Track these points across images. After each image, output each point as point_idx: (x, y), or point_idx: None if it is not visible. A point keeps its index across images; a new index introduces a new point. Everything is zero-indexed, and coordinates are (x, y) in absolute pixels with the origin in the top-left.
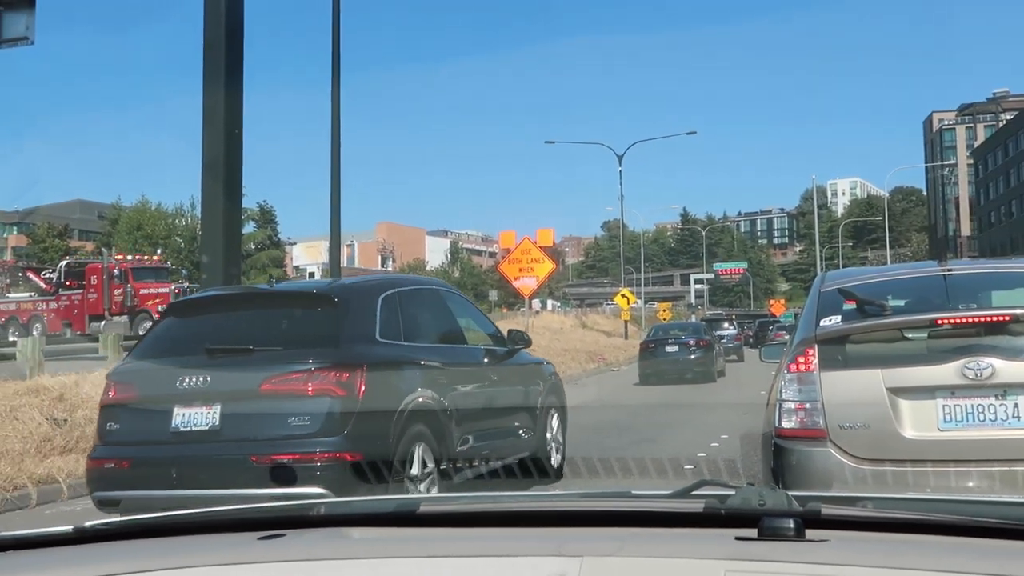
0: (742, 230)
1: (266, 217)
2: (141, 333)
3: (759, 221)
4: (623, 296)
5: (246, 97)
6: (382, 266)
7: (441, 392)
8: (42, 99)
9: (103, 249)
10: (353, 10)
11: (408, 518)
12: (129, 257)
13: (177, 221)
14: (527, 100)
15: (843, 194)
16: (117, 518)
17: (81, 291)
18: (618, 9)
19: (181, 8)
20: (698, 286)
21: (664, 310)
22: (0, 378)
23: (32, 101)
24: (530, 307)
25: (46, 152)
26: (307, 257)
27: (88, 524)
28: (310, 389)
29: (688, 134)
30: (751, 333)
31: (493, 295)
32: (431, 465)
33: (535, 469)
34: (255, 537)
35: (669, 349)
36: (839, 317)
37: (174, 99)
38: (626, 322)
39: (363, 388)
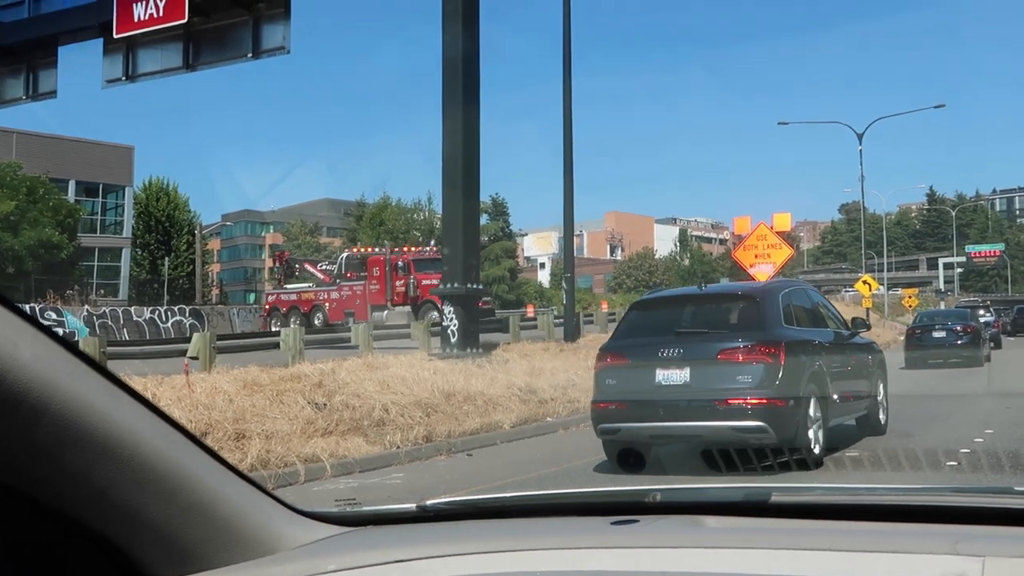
0: (998, 209)
1: (498, 209)
2: (426, 320)
3: (1017, 199)
4: (864, 283)
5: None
6: (611, 255)
7: (821, 362)
8: (293, 106)
9: (385, 242)
10: (585, 4)
11: (760, 508)
12: (411, 249)
13: (415, 215)
14: (758, 83)
15: None
16: (459, 498)
17: (362, 282)
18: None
19: (421, 23)
20: (948, 271)
21: (909, 296)
22: (267, 365)
23: (285, 108)
24: None
25: (298, 155)
26: (537, 248)
27: (430, 503)
28: (751, 358)
29: (936, 108)
30: (1007, 321)
31: (724, 282)
32: (818, 414)
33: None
34: (607, 522)
35: (936, 335)
36: None
37: (415, 104)
38: (868, 310)
39: (783, 358)
